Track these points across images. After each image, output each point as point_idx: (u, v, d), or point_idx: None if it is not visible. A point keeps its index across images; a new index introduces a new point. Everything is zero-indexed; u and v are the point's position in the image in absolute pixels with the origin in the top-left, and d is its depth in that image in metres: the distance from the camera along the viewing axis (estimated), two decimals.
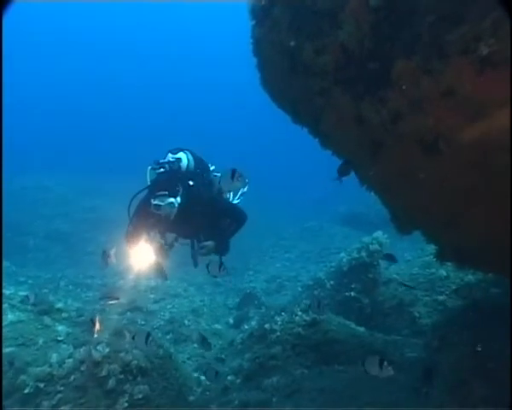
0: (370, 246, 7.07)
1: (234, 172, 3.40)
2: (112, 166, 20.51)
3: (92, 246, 11.27)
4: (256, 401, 4.48)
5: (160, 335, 6.74)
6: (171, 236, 4.49)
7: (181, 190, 4.25)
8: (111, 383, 4.21)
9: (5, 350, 4.34)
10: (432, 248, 4.16)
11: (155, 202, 4.14)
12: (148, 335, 3.76)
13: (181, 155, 4.54)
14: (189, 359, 6.25)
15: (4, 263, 8.96)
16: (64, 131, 32.77)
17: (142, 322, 7.06)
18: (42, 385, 4.13)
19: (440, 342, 4.34)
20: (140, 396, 4.26)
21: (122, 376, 4.29)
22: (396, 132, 2.92)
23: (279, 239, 14.39)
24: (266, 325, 5.46)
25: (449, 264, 5.12)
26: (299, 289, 8.75)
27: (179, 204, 4.21)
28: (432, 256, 4.41)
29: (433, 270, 6.52)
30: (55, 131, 32.82)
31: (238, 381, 5.12)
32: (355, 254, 7.15)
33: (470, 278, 5.73)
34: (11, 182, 14.77)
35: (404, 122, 2.84)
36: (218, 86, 40.60)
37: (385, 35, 2.81)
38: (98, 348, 4.39)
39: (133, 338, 3.87)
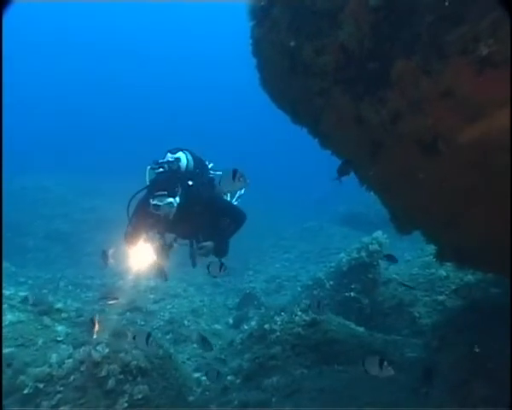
0: (370, 246, 7.07)
1: (235, 172, 3.33)
2: (112, 166, 20.51)
3: (92, 246, 11.27)
4: (256, 401, 4.48)
5: (159, 335, 6.73)
6: (170, 236, 4.48)
7: (180, 190, 4.24)
8: (111, 383, 4.20)
9: (5, 351, 4.33)
10: (431, 248, 4.16)
11: (154, 202, 4.13)
12: (149, 335, 3.76)
13: (180, 154, 4.52)
14: (188, 359, 6.25)
15: (4, 264, 8.96)
16: (64, 132, 32.76)
17: (142, 322, 7.05)
18: (41, 385, 4.12)
19: (440, 342, 4.34)
20: (140, 396, 4.26)
21: (122, 376, 4.28)
22: (395, 132, 2.92)
23: (279, 239, 14.40)
24: (266, 326, 5.46)
25: (448, 264, 5.12)
26: (299, 289, 8.75)
27: (178, 204, 4.20)
28: (431, 256, 4.41)
29: (433, 270, 6.53)
30: (55, 131, 32.81)
31: (238, 381, 5.12)
32: (355, 255, 7.15)
33: (470, 278, 5.73)
34: (11, 182, 14.76)
35: (403, 122, 2.84)
36: (217, 86, 40.60)
37: (384, 35, 2.81)
38: (98, 348, 4.39)
39: (134, 338, 3.87)
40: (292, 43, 3.33)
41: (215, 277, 4.06)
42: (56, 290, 8.57)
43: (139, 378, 4.38)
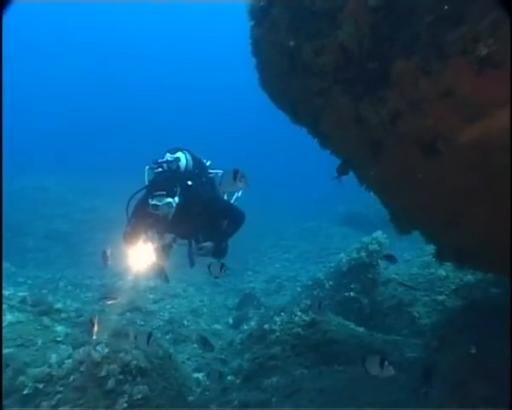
0: (370, 246, 7.07)
1: (236, 172, 3.25)
2: (112, 166, 20.49)
3: (91, 246, 11.26)
4: (256, 401, 4.48)
5: (159, 335, 6.73)
6: (169, 236, 4.47)
7: (179, 190, 4.22)
8: (110, 383, 4.20)
9: (4, 351, 4.33)
10: (431, 248, 4.16)
11: (153, 202, 4.12)
12: (150, 335, 3.75)
13: (179, 154, 4.51)
14: (188, 359, 6.24)
15: (4, 264, 8.95)
16: (64, 132, 32.74)
17: (142, 322, 7.05)
18: (41, 386, 4.12)
19: (440, 342, 4.34)
20: (139, 397, 4.26)
21: (121, 376, 4.28)
22: (395, 132, 2.92)
23: (278, 239, 14.39)
24: (266, 326, 5.46)
25: (448, 264, 5.12)
26: (299, 289, 8.75)
27: (177, 204, 4.19)
28: (431, 256, 4.41)
29: (433, 270, 6.52)
30: (55, 131, 32.79)
31: (238, 381, 5.12)
32: (354, 255, 7.15)
33: (470, 277, 5.73)
34: (11, 182, 14.75)
35: (403, 122, 2.84)
36: (216, 86, 40.57)
37: (384, 35, 2.81)
38: (97, 348, 4.38)
39: (135, 338, 3.86)
40: (291, 44, 3.33)
41: (216, 277, 4.04)
42: (56, 291, 8.56)
43: (139, 378, 4.38)
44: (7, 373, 4.17)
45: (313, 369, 4.84)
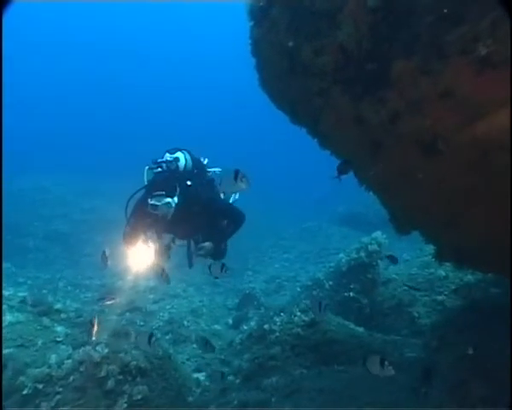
0: (369, 246, 7.07)
1: (237, 172, 3.21)
2: (111, 166, 20.48)
3: (91, 247, 11.25)
4: (255, 401, 4.48)
5: (159, 335, 6.72)
6: (168, 236, 4.47)
7: (178, 190, 4.22)
8: (110, 383, 4.20)
9: (4, 351, 4.32)
10: (430, 248, 4.16)
11: (152, 202, 4.11)
12: (152, 335, 3.75)
13: (179, 154, 4.50)
14: (188, 359, 6.24)
15: (5, 264, 8.96)
16: (63, 132, 32.75)
17: (141, 323, 7.05)
18: (41, 386, 4.11)
19: (439, 342, 4.34)
20: (139, 397, 4.26)
21: (121, 376, 4.28)
22: (395, 133, 2.92)
23: (278, 239, 14.39)
24: (265, 326, 5.46)
25: (448, 264, 5.12)
26: (298, 289, 8.74)
27: (176, 204, 4.18)
28: (430, 256, 4.41)
29: (432, 270, 6.52)
30: (55, 131, 32.79)
31: (237, 381, 5.12)
32: (354, 255, 7.15)
33: (469, 277, 5.73)
34: (11, 183, 14.74)
35: (402, 122, 2.84)
36: (216, 86, 40.58)
37: (383, 36, 2.81)
38: (97, 348, 4.38)
39: (137, 338, 3.86)
40: (291, 44, 3.33)
41: (216, 278, 4.03)
42: (56, 291, 8.57)
43: (138, 379, 4.38)
44: (7, 373, 4.16)
45: (313, 369, 4.84)
